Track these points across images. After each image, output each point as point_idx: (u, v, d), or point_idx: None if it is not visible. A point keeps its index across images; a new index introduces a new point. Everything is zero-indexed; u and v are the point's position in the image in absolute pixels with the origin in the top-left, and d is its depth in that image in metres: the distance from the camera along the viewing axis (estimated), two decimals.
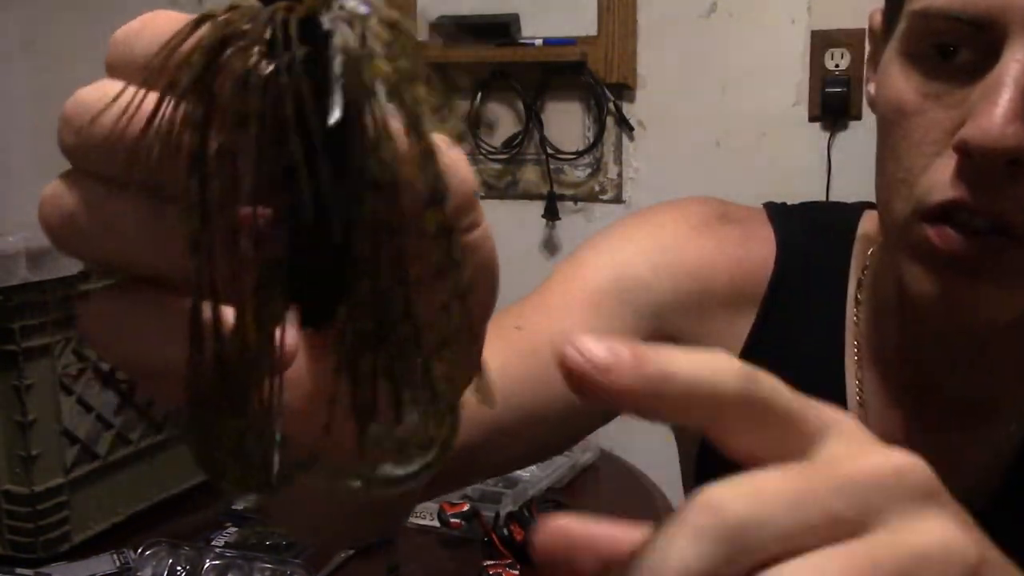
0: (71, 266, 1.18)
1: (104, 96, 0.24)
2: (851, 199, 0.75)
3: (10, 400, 1.20)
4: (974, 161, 0.50)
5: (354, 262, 0.24)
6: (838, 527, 0.24)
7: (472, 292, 0.25)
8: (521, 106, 1.99)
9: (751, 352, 0.68)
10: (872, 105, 0.62)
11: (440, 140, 0.26)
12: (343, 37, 0.22)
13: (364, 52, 0.22)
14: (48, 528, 1.24)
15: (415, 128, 0.23)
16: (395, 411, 0.25)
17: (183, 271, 0.23)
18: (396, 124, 0.23)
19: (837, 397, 0.66)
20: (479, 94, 2.00)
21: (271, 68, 0.22)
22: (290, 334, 0.25)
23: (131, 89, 0.23)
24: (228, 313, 0.24)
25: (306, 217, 0.23)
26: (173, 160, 0.23)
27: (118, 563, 1.23)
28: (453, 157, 0.27)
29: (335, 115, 0.22)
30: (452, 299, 0.25)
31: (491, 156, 2.03)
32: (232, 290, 0.23)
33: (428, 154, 0.24)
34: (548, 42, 1.92)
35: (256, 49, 0.22)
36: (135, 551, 1.22)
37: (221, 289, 0.23)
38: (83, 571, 1.22)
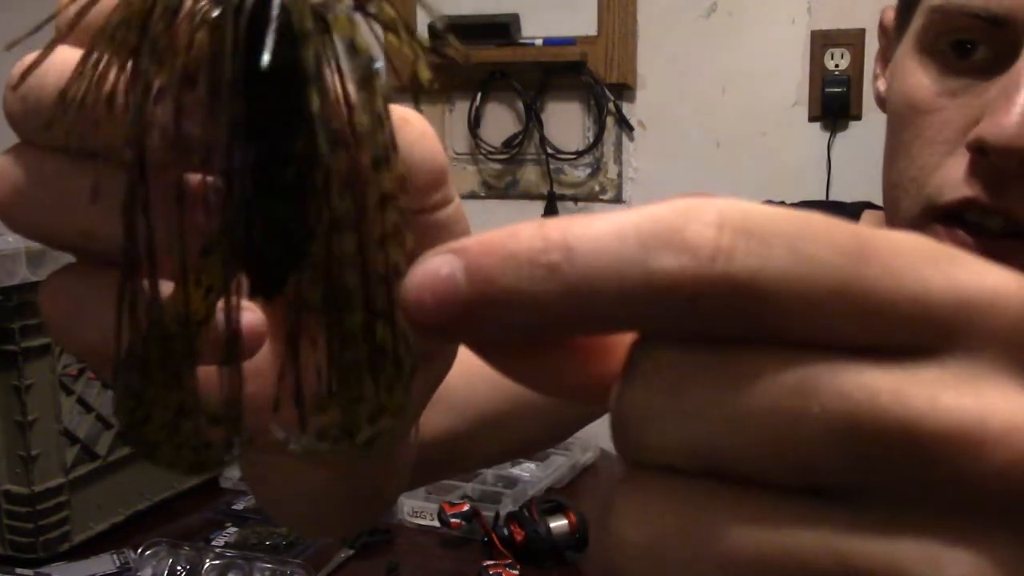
0: None
1: (49, 58, 0.23)
2: (851, 199, 0.74)
3: (10, 400, 1.20)
4: (989, 160, 0.50)
5: (309, 226, 0.22)
6: (883, 333, 0.18)
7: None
8: (521, 106, 1.99)
9: None
10: (881, 102, 0.61)
11: (410, 113, 0.24)
12: None
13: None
14: (48, 528, 1.24)
15: (365, 82, 0.22)
16: (343, 376, 0.24)
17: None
18: (345, 78, 0.21)
19: None
20: (479, 94, 2.00)
21: (215, 12, 0.21)
22: (255, 313, 0.24)
23: (76, 50, 0.22)
24: (166, 282, 0.22)
25: (244, 177, 0.21)
26: (115, 117, 0.21)
27: (118, 563, 1.23)
28: (421, 130, 0.26)
29: (265, 59, 0.20)
30: (406, 262, 0.23)
31: (491, 156, 2.03)
32: (174, 251, 0.22)
33: (376, 111, 0.22)
34: (548, 42, 1.92)
35: None
36: (135, 551, 1.22)
37: (160, 249, 0.22)
38: (83, 571, 1.22)
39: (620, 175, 1.97)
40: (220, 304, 0.23)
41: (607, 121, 1.95)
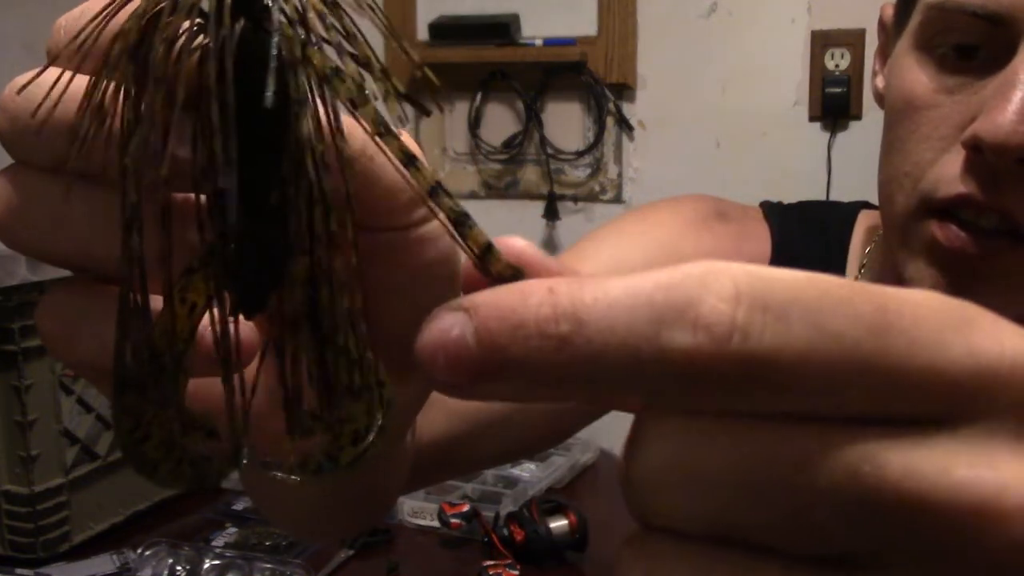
0: None
1: (39, 80, 0.23)
2: (851, 199, 0.74)
3: (10, 400, 1.20)
4: (984, 157, 0.50)
5: (288, 246, 0.23)
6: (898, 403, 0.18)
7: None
8: (521, 106, 1.99)
9: None
10: (879, 98, 0.62)
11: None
12: (281, 12, 0.21)
13: (302, 32, 0.22)
14: (48, 528, 1.24)
15: (352, 110, 0.22)
16: (326, 398, 0.24)
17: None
18: (332, 107, 0.22)
19: None
20: (479, 94, 2.00)
21: (204, 42, 0.21)
22: (247, 329, 0.24)
23: (66, 72, 0.23)
24: (158, 301, 0.23)
25: (234, 199, 0.21)
26: (106, 140, 0.22)
27: (118, 563, 1.23)
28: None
29: (268, 97, 0.21)
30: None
31: (491, 156, 2.03)
32: (162, 273, 0.22)
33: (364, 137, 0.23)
34: (548, 42, 1.92)
35: (189, 21, 0.21)
36: (135, 551, 1.22)
37: (149, 270, 0.22)
38: (83, 571, 1.22)
39: (620, 175, 1.97)
40: (205, 321, 0.24)
41: (607, 121, 1.95)
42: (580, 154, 1.97)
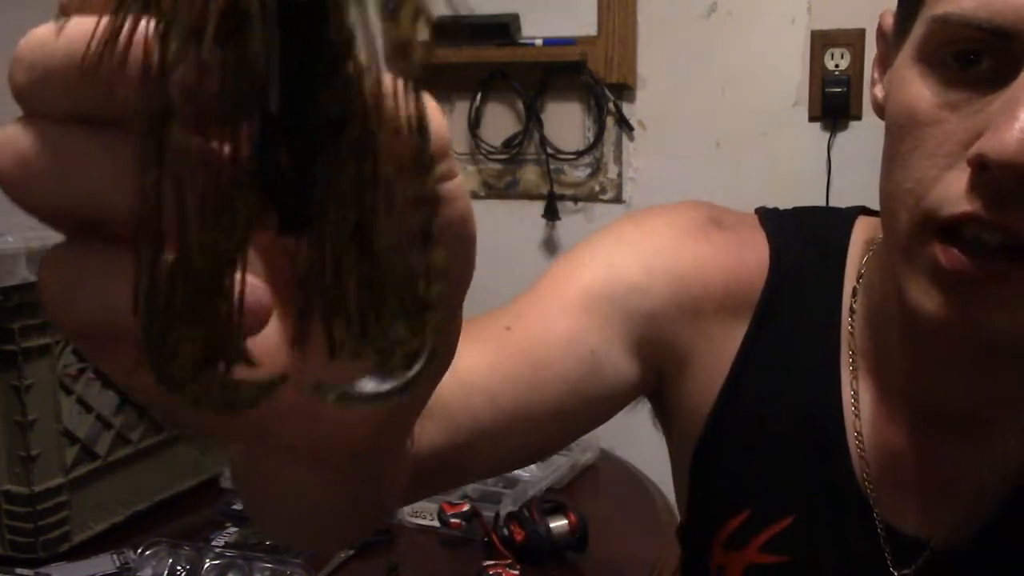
0: None
1: (55, 29, 0.22)
2: (851, 199, 0.74)
3: (10, 400, 1.20)
4: (990, 175, 0.49)
5: (334, 160, 0.22)
6: None
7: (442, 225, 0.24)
8: (521, 106, 1.99)
9: (745, 359, 0.67)
10: (878, 109, 0.60)
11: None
12: None
13: None
14: (48, 528, 1.24)
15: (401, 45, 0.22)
16: (375, 319, 0.24)
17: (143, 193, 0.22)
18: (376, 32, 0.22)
19: (831, 406, 0.66)
20: (479, 94, 2.00)
21: None
22: (261, 289, 0.24)
23: (84, 19, 0.22)
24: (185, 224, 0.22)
25: (273, 116, 0.21)
26: (129, 76, 0.21)
27: (118, 563, 1.23)
28: (429, 102, 0.26)
29: None
30: (430, 211, 0.24)
31: (491, 156, 2.03)
32: (198, 189, 0.22)
33: (411, 73, 0.22)
34: (548, 42, 1.92)
35: None
36: (135, 551, 1.22)
37: (185, 185, 0.22)
38: (83, 571, 1.22)
39: (620, 175, 1.98)
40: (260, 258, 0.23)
41: (607, 121, 1.95)
42: (580, 154, 1.97)
